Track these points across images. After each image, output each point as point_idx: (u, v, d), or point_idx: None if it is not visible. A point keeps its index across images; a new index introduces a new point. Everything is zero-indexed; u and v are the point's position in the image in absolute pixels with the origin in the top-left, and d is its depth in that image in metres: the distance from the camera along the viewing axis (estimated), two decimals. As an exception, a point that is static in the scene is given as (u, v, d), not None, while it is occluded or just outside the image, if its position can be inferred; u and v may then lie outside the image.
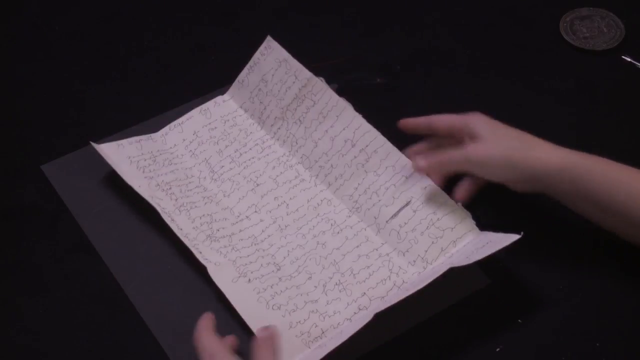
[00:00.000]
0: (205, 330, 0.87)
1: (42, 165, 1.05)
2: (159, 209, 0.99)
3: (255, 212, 1.02)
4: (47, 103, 1.13)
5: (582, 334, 0.93)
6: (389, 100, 1.13)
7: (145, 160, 1.04)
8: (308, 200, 1.03)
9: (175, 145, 1.07)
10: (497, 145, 0.95)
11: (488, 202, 1.00)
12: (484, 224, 0.97)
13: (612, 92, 1.14)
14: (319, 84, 1.06)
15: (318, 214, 1.02)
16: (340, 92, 1.06)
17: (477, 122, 0.97)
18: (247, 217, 1.01)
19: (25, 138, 1.09)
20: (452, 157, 0.97)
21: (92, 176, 1.04)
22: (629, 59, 1.16)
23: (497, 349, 0.92)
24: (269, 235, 1.00)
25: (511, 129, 0.97)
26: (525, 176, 0.94)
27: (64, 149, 1.07)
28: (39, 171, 1.05)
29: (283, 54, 1.08)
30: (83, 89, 1.14)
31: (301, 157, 1.05)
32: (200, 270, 0.96)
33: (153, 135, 1.08)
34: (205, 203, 1.02)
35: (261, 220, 1.01)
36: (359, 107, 1.04)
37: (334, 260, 0.97)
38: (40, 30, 1.21)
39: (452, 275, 0.96)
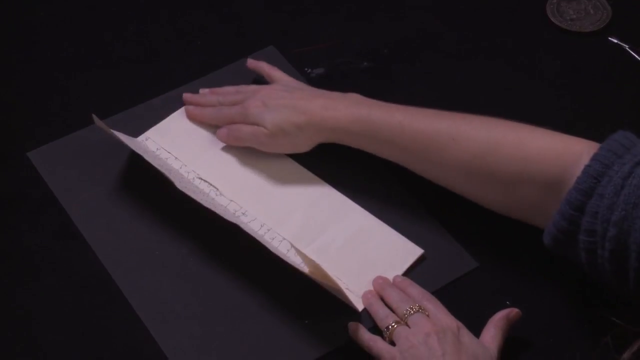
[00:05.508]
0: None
1: (28, 152, 1.05)
2: (178, 175, 0.99)
3: (243, 214, 1.00)
4: (33, 90, 1.12)
5: (570, 316, 0.93)
6: (377, 84, 1.12)
7: (138, 150, 1.01)
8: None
9: (157, 149, 1.05)
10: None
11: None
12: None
13: (599, 73, 1.14)
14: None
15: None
16: (327, 77, 1.06)
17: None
18: (242, 213, 1.00)
19: (10, 125, 1.09)
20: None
21: (78, 163, 1.04)
22: (615, 41, 1.16)
23: (486, 331, 0.92)
24: (268, 230, 0.99)
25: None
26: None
27: (49, 136, 1.06)
28: (24, 158, 1.05)
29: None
30: (68, 76, 1.14)
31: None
32: (187, 255, 0.97)
33: (135, 139, 1.06)
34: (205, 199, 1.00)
35: (255, 219, 1.00)
36: (347, 92, 1.04)
37: None
38: (25, 17, 1.20)
39: (440, 259, 0.97)
